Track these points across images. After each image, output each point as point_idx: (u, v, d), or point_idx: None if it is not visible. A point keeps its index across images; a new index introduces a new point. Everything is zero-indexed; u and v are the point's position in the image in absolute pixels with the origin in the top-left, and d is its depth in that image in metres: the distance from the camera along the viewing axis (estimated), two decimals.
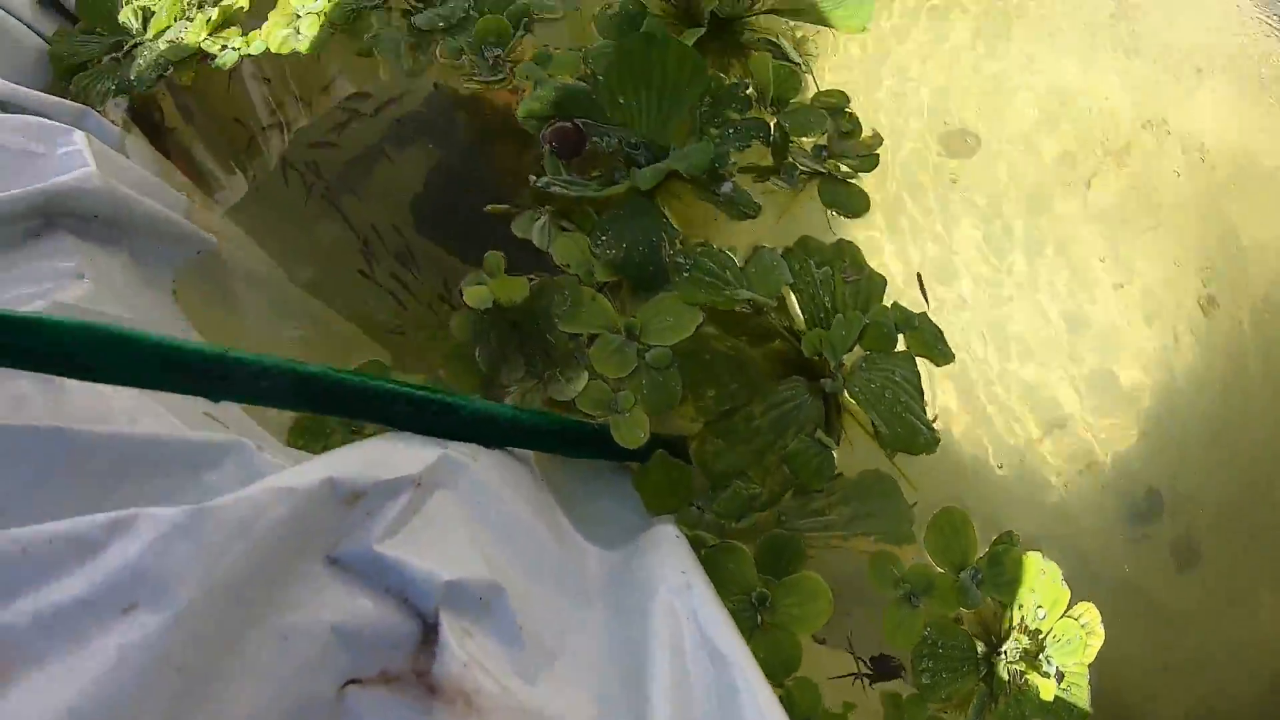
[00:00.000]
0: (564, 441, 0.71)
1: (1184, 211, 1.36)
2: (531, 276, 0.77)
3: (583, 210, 0.82)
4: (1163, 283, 1.25)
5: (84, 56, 1.20)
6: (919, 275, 1.01)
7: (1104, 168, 1.37)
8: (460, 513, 0.55)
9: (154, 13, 1.24)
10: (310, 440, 0.77)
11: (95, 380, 0.53)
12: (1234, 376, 1.21)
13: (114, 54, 1.21)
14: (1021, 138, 1.28)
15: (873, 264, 0.92)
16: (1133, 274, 1.24)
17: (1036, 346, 1.05)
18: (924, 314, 0.85)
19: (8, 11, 1.18)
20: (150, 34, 1.21)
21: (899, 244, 1.03)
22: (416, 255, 1.00)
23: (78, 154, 0.88)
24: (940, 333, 0.84)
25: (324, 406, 0.57)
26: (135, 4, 1.23)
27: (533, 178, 0.82)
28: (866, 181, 0.97)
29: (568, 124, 0.87)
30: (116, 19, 1.24)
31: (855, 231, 1.01)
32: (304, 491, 0.46)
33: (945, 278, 1.04)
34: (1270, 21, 1.49)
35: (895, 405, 0.79)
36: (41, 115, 1.03)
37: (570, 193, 0.79)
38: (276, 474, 0.47)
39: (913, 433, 0.79)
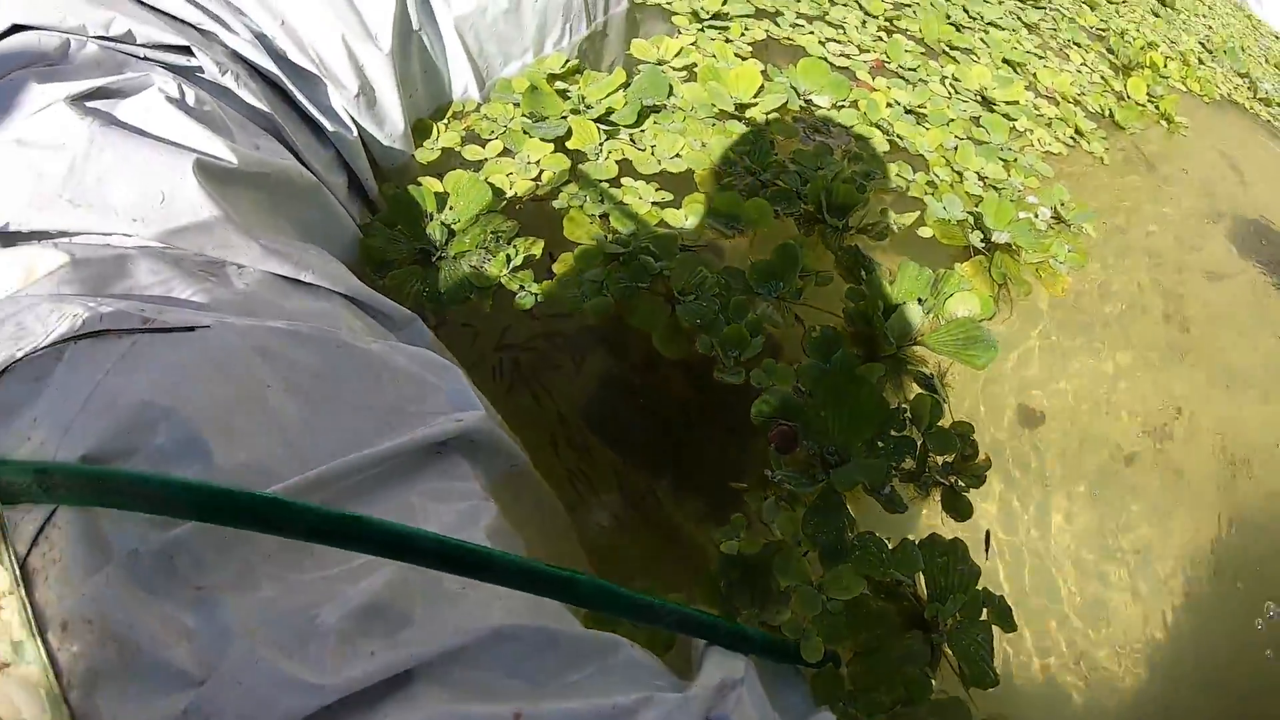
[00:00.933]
0: (775, 651, 1.22)
1: (1202, 492, 1.90)
2: (767, 544, 1.29)
3: (794, 496, 1.34)
4: (1177, 553, 1.77)
5: (392, 254, 1.70)
6: (988, 534, 1.53)
7: (1142, 450, 1.90)
8: (755, 696, 1.05)
9: (456, 234, 1.76)
10: (603, 625, 1.27)
11: (600, 613, 1.03)
12: (1230, 637, 1.72)
13: (419, 259, 1.72)
14: (1081, 420, 1.81)
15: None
16: (1154, 544, 1.75)
17: (1070, 599, 1.56)
18: (1002, 597, 1.36)
19: (333, 194, 1.69)
20: (451, 252, 1.73)
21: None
22: (590, 448, 1.51)
23: (467, 392, 1.38)
24: (1009, 610, 1.35)
25: (690, 631, 1.07)
26: (440, 220, 1.76)
27: (767, 472, 1.35)
28: None
29: (787, 427, 1.40)
30: (420, 225, 1.76)
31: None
32: (720, 686, 0.95)
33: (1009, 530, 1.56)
34: None
35: (975, 656, 1.30)
36: (384, 314, 1.54)
37: (796, 490, 1.31)
38: (707, 675, 0.96)
39: (983, 675, 1.29)
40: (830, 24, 2.60)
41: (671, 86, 2.09)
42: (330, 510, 0.81)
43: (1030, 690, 1.49)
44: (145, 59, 1.31)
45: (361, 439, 1.04)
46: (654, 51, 2.23)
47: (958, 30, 2.77)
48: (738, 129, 1.97)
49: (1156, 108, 2.88)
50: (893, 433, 1.42)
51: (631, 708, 0.78)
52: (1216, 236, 2.76)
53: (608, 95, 2.01)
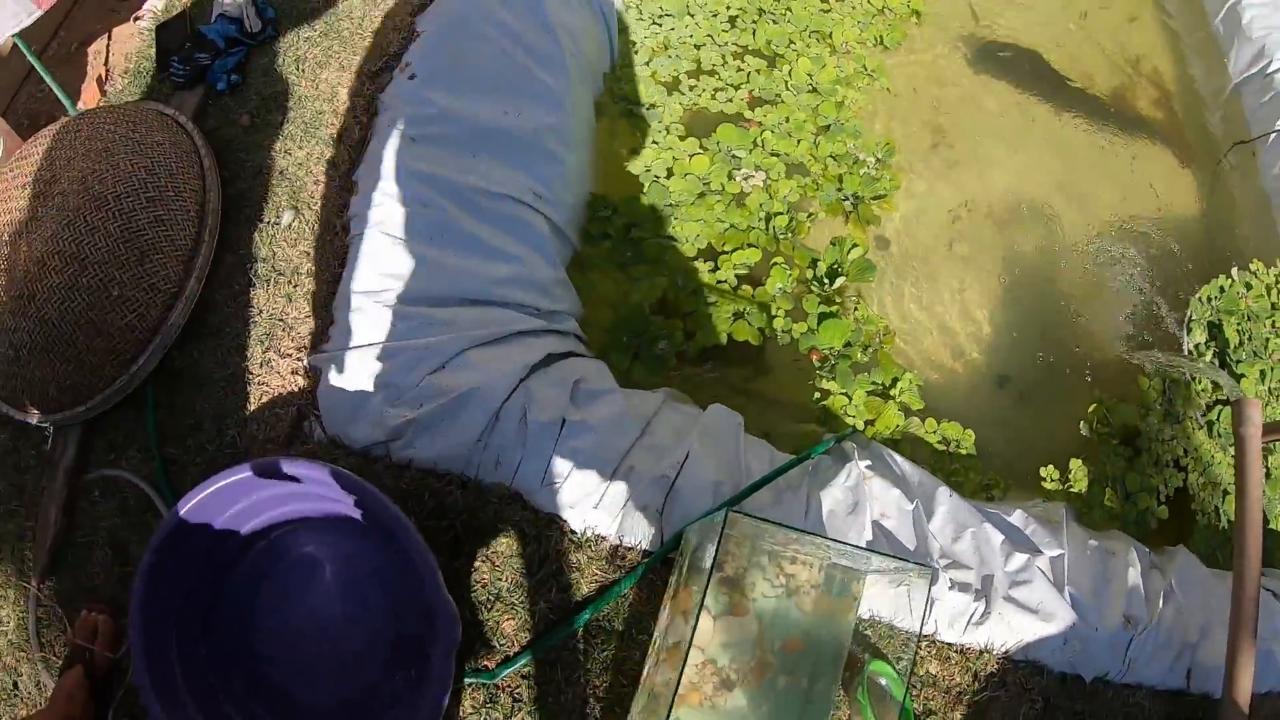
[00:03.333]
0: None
1: (993, 249, 4.49)
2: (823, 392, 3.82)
3: (825, 376, 3.85)
4: (993, 281, 4.38)
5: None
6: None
7: (952, 235, 4.44)
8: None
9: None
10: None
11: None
12: (1032, 318, 4.37)
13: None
14: (911, 234, 4.35)
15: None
16: (974, 279, 4.37)
17: (940, 316, 4.20)
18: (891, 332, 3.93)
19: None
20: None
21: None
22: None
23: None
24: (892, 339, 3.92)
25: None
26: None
27: (817, 366, 3.84)
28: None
29: (813, 349, 3.87)
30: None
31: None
32: None
33: (903, 290, 4.16)
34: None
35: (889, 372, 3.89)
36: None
37: (827, 374, 3.83)
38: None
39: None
40: (706, 72, 4.61)
41: (668, 187, 4.22)
42: None
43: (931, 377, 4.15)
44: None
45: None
46: (643, 166, 4.32)
47: (775, 23, 4.77)
48: (719, 203, 4.16)
49: (909, 5, 4.98)
50: (851, 335, 3.89)
51: None
52: (957, 64, 5.05)
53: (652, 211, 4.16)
